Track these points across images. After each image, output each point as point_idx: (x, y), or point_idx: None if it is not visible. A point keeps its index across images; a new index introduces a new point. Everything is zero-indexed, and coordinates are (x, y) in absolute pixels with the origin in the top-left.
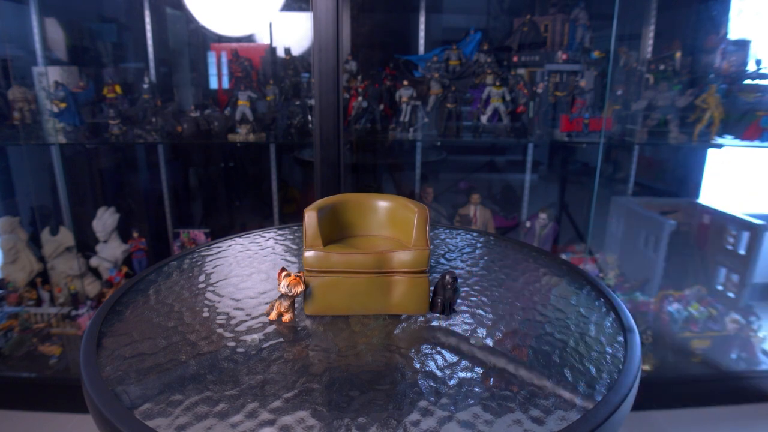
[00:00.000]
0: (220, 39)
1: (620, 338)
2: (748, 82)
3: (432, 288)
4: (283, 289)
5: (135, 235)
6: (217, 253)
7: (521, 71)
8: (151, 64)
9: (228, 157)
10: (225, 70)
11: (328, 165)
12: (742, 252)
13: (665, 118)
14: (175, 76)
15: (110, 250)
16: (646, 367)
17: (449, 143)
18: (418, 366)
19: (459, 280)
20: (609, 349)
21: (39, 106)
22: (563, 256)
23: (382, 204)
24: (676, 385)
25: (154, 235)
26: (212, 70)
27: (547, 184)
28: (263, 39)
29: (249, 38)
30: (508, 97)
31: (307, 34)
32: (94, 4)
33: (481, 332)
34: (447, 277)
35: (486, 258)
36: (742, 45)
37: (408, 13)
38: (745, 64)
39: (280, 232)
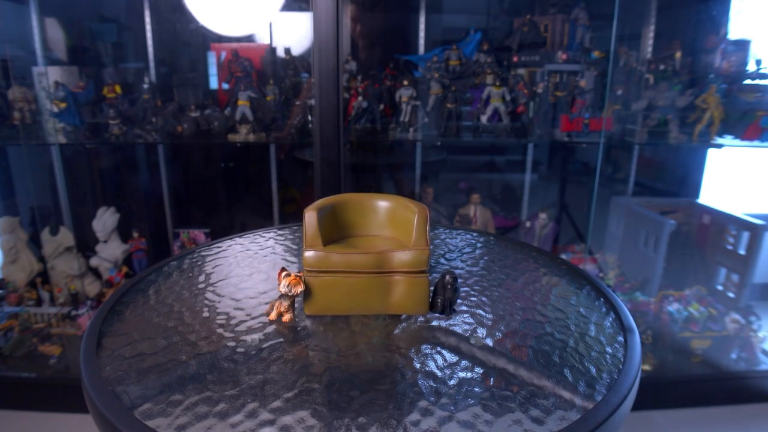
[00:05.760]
0: (220, 39)
1: (620, 338)
2: (748, 82)
3: (432, 288)
4: (283, 289)
5: (135, 235)
6: (217, 253)
7: (521, 71)
8: (151, 64)
9: (228, 157)
10: (214, 70)
11: (328, 165)
12: (742, 252)
13: (665, 118)
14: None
15: (110, 250)
16: (646, 367)
17: (449, 143)
18: (418, 366)
19: (459, 280)
20: (609, 349)
21: (39, 106)
22: (563, 256)
23: (382, 204)
24: (676, 385)
25: (154, 235)
26: (212, 70)
27: (547, 184)
28: (263, 39)
29: (249, 38)
30: (508, 97)
31: (307, 34)
32: (94, 4)
33: (481, 332)
34: (447, 277)
35: (486, 258)
36: (742, 45)
37: (408, 13)
38: (745, 64)
39: (280, 232)
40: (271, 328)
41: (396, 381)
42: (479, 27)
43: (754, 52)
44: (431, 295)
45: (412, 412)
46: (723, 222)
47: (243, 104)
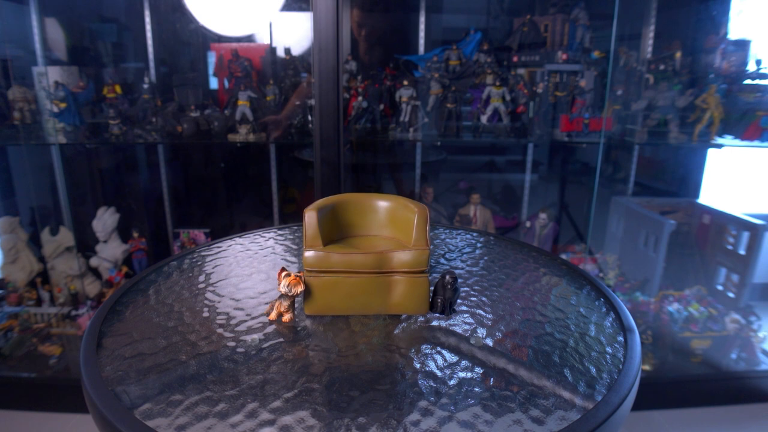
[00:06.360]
0: (220, 39)
1: (620, 338)
2: (748, 82)
3: (432, 288)
4: (283, 289)
5: (135, 235)
6: (217, 253)
7: (521, 71)
8: (151, 64)
9: (228, 157)
10: (211, 70)
11: (328, 165)
12: (742, 252)
13: (665, 118)
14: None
15: (110, 250)
16: (646, 367)
17: (449, 143)
18: (418, 366)
19: (459, 280)
20: (609, 349)
21: (39, 106)
22: (563, 256)
23: (382, 204)
24: (676, 385)
25: (154, 235)
26: (212, 70)
27: (547, 184)
28: (263, 39)
29: (249, 38)
30: (508, 97)
31: (307, 34)
32: (94, 4)
33: (481, 332)
34: (447, 277)
35: (486, 258)
36: (742, 45)
37: (408, 13)
38: (745, 64)
39: (280, 232)
40: (271, 328)
41: (396, 381)
42: (479, 27)
43: (754, 52)
44: (431, 295)
45: (412, 412)
46: (723, 222)
47: (243, 104)
